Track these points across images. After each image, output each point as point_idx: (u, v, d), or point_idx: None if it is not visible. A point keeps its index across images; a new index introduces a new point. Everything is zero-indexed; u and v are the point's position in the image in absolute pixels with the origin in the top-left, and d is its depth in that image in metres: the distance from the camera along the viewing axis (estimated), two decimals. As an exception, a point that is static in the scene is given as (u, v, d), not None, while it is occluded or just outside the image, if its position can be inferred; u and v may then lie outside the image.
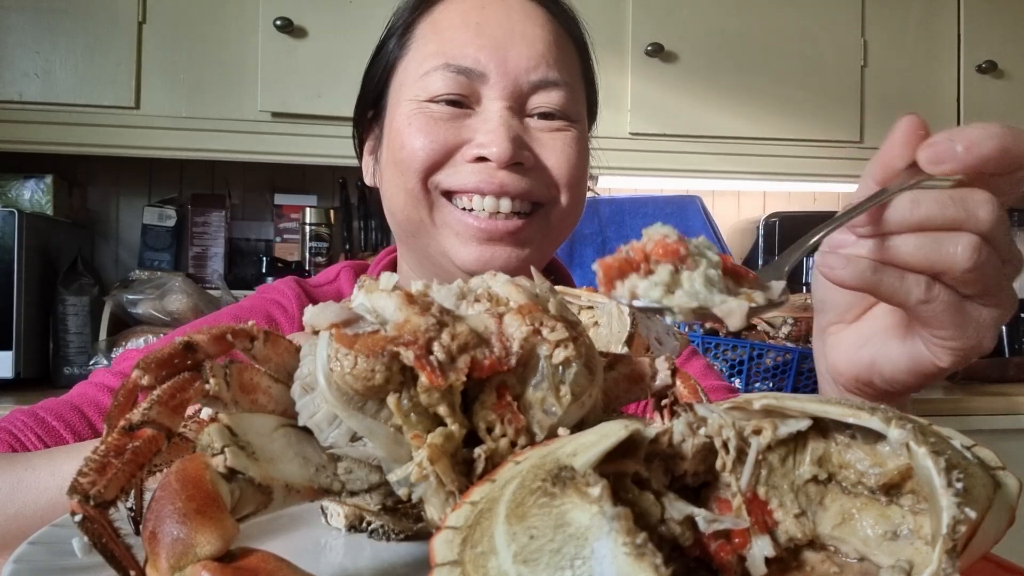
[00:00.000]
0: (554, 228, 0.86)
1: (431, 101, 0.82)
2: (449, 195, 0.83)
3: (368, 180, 0.96)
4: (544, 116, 0.84)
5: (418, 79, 0.83)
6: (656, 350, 0.49)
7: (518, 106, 0.83)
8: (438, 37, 0.84)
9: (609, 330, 0.49)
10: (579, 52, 0.91)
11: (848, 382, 0.58)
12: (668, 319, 0.40)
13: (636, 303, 0.40)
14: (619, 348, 0.46)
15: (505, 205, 0.81)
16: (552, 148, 0.83)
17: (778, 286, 0.41)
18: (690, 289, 0.39)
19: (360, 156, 0.98)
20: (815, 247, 0.48)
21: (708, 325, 1.79)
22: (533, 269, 0.43)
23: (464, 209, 0.82)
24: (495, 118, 0.81)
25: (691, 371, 0.90)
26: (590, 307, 0.53)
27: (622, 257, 0.40)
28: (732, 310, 0.39)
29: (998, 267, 0.48)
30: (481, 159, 0.80)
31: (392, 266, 1.01)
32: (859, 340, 0.57)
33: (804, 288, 2.10)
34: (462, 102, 0.82)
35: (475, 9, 0.84)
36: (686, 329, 1.80)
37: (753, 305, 0.40)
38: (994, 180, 0.47)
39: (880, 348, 0.55)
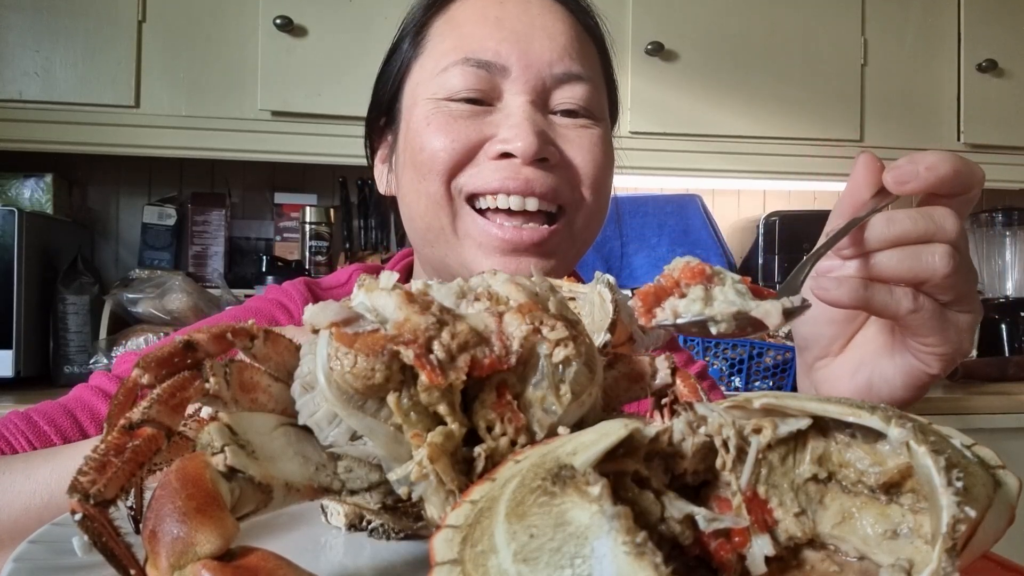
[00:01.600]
0: (578, 236, 0.82)
1: (450, 99, 0.78)
2: (472, 198, 0.78)
3: (382, 189, 0.92)
4: (568, 113, 0.80)
5: (435, 76, 0.79)
6: (639, 339, 0.49)
7: (541, 101, 0.79)
8: (455, 32, 0.81)
9: (592, 319, 0.49)
10: (600, 51, 0.87)
11: None
12: (713, 329, 0.44)
13: (680, 320, 0.44)
14: (602, 335, 0.47)
15: (531, 204, 0.77)
16: (578, 145, 0.79)
17: (797, 298, 0.47)
18: (725, 299, 0.44)
19: (371, 164, 0.94)
20: (808, 273, 0.53)
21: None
22: (533, 268, 0.43)
23: (488, 210, 0.78)
24: (519, 112, 0.76)
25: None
26: (572, 298, 0.54)
27: (656, 285, 0.45)
28: (768, 310, 0.44)
29: (968, 274, 0.53)
30: (505, 155, 0.76)
31: (408, 269, 0.98)
32: (851, 368, 0.61)
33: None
34: (482, 99, 0.78)
35: (493, 4, 0.81)
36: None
37: (788, 306, 0.44)
38: (946, 202, 0.53)
39: (874, 370, 0.60)
